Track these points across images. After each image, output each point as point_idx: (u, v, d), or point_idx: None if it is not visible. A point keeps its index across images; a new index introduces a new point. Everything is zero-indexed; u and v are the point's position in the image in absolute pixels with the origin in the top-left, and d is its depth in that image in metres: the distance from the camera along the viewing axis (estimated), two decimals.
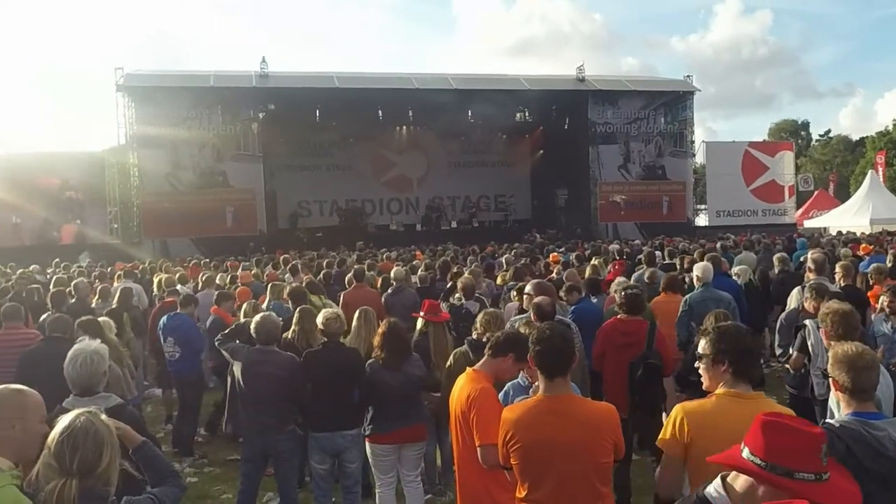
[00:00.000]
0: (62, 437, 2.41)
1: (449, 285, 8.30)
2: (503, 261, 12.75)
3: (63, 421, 2.46)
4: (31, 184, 25.16)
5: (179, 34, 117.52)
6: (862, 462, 2.76)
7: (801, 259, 10.62)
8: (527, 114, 32.84)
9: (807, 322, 5.57)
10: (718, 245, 14.98)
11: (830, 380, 3.11)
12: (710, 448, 2.33)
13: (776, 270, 10.23)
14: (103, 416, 2.54)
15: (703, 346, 3.09)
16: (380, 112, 30.94)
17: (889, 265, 8.97)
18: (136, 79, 26.64)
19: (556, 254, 13.72)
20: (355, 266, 10.82)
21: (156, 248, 25.15)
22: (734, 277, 9.09)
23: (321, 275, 10.77)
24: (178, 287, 9.74)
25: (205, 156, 26.56)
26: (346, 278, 9.94)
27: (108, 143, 28.18)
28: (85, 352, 3.77)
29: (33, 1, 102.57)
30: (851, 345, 3.12)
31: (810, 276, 7.55)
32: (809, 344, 5.39)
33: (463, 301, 7.56)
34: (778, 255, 10.91)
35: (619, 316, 6.09)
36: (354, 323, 6.16)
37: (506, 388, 4.08)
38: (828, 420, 2.97)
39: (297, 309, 6.31)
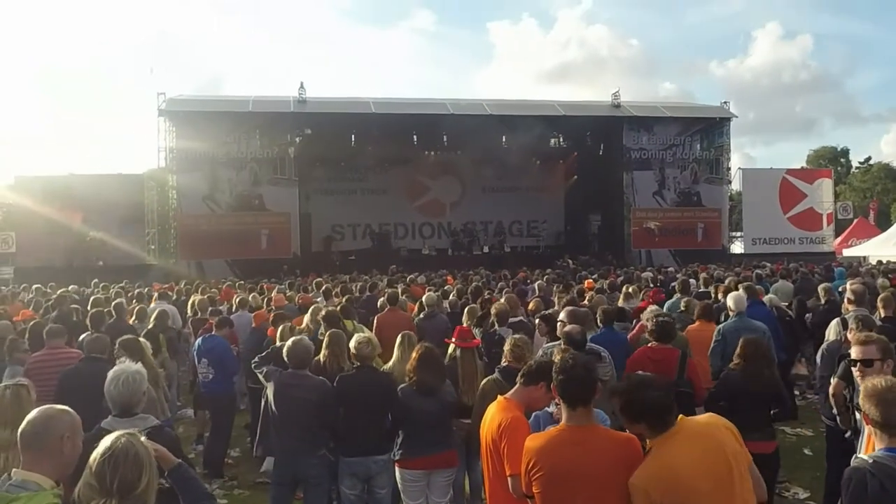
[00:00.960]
0: (104, 458, 2.46)
1: (482, 312, 8.27)
2: (535, 287, 12.70)
3: (105, 442, 2.53)
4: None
5: (219, 60, 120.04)
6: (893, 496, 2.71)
7: (840, 289, 10.40)
8: (561, 139, 32.88)
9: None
10: (754, 273, 14.77)
11: (862, 414, 3.06)
12: None
13: (822, 300, 9.99)
14: (143, 438, 2.60)
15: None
16: (415, 137, 31.22)
17: None
18: (177, 103, 27.30)
19: (591, 280, 13.63)
20: (388, 290, 10.87)
21: (191, 269, 25.54)
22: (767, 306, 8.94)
23: (345, 298, 10.80)
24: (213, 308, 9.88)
25: (242, 179, 27.05)
26: (380, 302, 9.99)
27: (148, 165, 28.90)
28: (126, 372, 3.85)
29: (81, 25, 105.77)
30: (881, 378, 3.06)
31: (849, 308, 7.39)
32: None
33: (496, 327, 7.55)
34: (823, 285, 10.70)
35: (650, 344, 6.04)
36: (397, 348, 6.19)
37: (534, 415, 4.07)
38: (860, 455, 2.91)
39: (328, 333, 6.35)
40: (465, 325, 6.97)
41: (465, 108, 29.19)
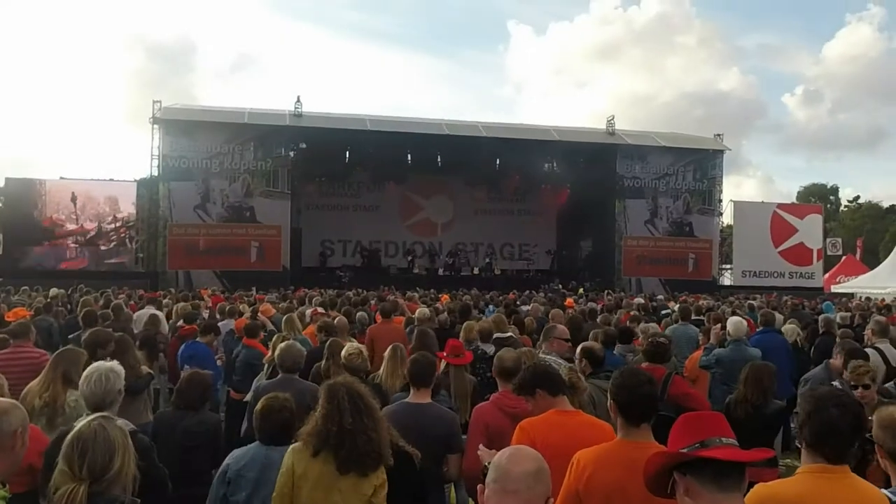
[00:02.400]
0: (71, 443, 2.42)
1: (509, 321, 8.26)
2: (531, 307, 12.65)
3: (75, 428, 2.46)
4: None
5: (216, 70, 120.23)
6: None
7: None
8: (555, 164, 33.00)
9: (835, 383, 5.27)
10: (747, 304, 14.75)
11: (876, 447, 2.94)
12: None
13: (821, 330, 9.96)
14: (119, 422, 2.51)
15: None
16: (409, 156, 31.25)
17: None
18: (172, 112, 27.28)
19: (571, 299, 13.62)
20: (382, 304, 10.77)
21: (179, 278, 25.36)
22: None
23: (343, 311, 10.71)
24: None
25: (234, 190, 26.92)
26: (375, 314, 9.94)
27: (139, 174, 28.78)
28: (100, 370, 3.77)
29: (74, 31, 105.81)
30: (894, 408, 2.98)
31: (873, 339, 7.38)
32: None
33: (479, 344, 7.46)
34: (823, 316, 10.69)
35: (642, 365, 5.95)
36: (387, 361, 6.07)
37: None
38: (885, 490, 2.71)
39: (329, 342, 6.27)
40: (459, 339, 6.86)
41: (460, 128, 29.30)
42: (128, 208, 27.06)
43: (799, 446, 2.80)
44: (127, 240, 26.85)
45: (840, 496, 2.53)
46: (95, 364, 3.96)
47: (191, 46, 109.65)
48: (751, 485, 2.94)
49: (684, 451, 2.05)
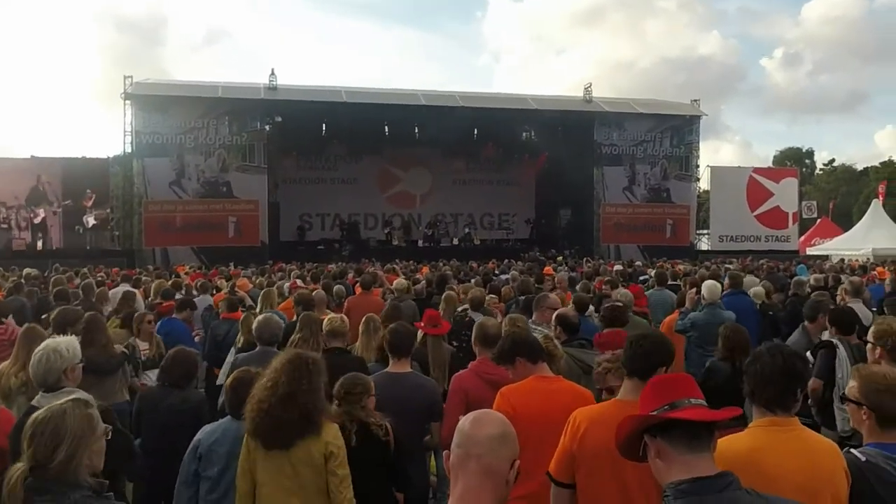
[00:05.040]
0: (26, 426, 2.40)
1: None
2: (511, 276, 12.70)
3: (45, 408, 2.43)
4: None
5: (188, 44, 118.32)
6: (886, 502, 2.62)
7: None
8: (532, 133, 32.91)
9: (836, 343, 5.24)
10: (723, 268, 14.90)
11: (847, 403, 2.95)
12: None
13: (790, 293, 10.08)
14: (90, 410, 2.46)
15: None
16: (386, 128, 31.01)
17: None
18: (144, 87, 26.79)
19: (549, 267, 13.71)
20: (363, 276, 10.75)
21: (157, 256, 25.14)
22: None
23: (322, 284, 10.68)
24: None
25: (210, 165, 26.55)
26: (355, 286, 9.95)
27: (113, 150, 28.32)
28: (47, 349, 3.75)
29: (42, 7, 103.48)
30: (878, 366, 3.01)
31: (846, 298, 7.51)
32: (839, 372, 5.02)
33: (469, 311, 7.50)
34: (797, 278, 10.81)
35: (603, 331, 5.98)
36: (361, 333, 6.07)
37: None
38: (853, 451, 2.76)
39: (301, 315, 6.25)
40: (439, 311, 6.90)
41: (437, 99, 29.05)
42: (101, 186, 26.63)
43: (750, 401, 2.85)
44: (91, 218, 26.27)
45: (789, 448, 2.58)
46: (47, 341, 3.94)
47: (162, 19, 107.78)
48: None
49: (653, 413, 2.07)
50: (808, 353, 5.42)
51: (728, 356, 5.26)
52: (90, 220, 26.11)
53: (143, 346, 6.48)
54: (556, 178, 32.60)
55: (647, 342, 3.17)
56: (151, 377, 6.01)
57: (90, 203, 26.22)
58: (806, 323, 6.35)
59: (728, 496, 1.93)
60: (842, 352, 5.13)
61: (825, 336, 5.73)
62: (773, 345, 2.89)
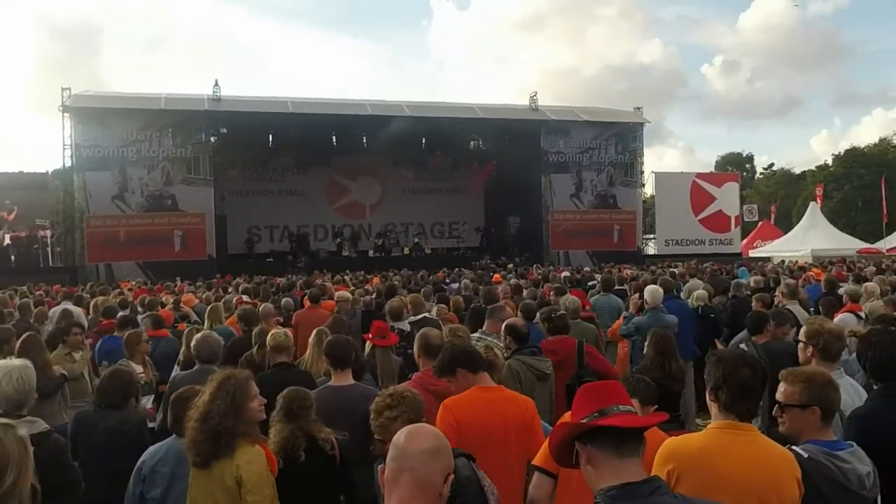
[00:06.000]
0: None
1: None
2: (462, 285, 12.74)
3: None
4: None
5: (127, 54, 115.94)
6: (828, 499, 2.70)
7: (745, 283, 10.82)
8: (480, 142, 33.16)
9: (743, 347, 5.49)
10: (668, 272, 15.20)
11: (791, 411, 2.99)
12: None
13: (730, 296, 10.34)
14: (21, 432, 2.40)
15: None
16: (334, 138, 30.88)
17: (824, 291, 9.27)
18: (83, 99, 26.15)
19: (498, 274, 13.82)
20: (311, 290, 10.66)
21: (100, 272, 24.54)
22: (688, 302, 9.15)
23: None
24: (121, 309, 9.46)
25: (154, 179, 26.02)
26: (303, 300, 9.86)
27: (53, 165, 27.56)
28: (16, 367, 3.63)
29: None
30: (808, 367, 3.13)
31: (783, 301, 7.73)
32: None
33: (393, 324, 7.48)
34: (736, 281, 11.12)
35: (548, 338, 6.05)
36: (311, 346, 6.02)
37: None
38: (795, 448, 2.85)
39: (257, 330, 6.22)
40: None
41: (383, 108, 29.03)
42: (40, 201, 25.87)
43: (711, 404, 2.93)
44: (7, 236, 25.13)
45: (743, 452, 2.65)
46: (4, 362, 3.79)
47: (97, 28, 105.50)
48: None
49: (583, 421, 2.12)
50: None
51: (658, 360, 5.35)
52: (6, 238, 24.91)
53: (138, 369, 6.24)
54: (505, 186, 32.91)
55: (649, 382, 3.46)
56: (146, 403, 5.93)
57: (11, 216, 25.18)
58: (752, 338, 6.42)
59: (655, 501, 1.98)
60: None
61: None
62: (741, 354, 2.98)
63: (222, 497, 3.36)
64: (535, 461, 3.19)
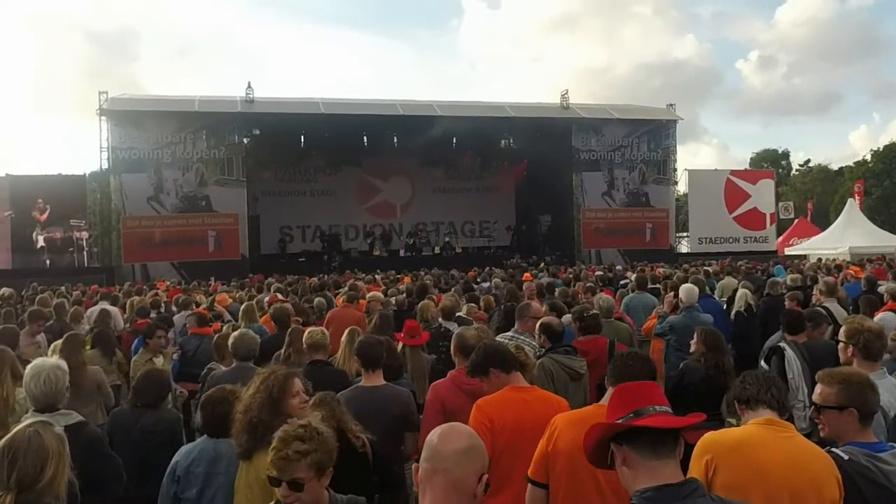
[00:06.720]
0: (2, 450, 2.36)
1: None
2: (493, 284, 12.71)
3: (9, 434, 2.39)
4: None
5: (162, 58, 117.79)
6: (869, 501, 2.63)
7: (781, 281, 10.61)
8: (511, 141, 33.04)
9: (784, 346, 5.35)
10: (702, 271, 15.01)
11: (827, 413, 2.92)
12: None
13: (765, 294, 10.14)
14: (56, 429, 2.45)
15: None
16: (365, 138, 31.02)
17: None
18: (119, 103, 26.61)
19: (528, 273, 13.73)
20: (346, 291, 10.68)
21: (136, 272, 24.93)
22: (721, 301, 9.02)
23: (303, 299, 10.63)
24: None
25: (188, 180, 26.43)
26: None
27: (90, 167, 28.06)
28: (46, 367, 3.67)
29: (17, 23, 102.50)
30: (845, 368, 3.07)
31: (821, 299, 7.59)
32: (790, 373, 5.11)
33: (441, 322, 7.49)
34: (770, 279, 10.91)
35: (578, 338, 5.98)
36: (343, 345, 6.04)
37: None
38: (834, 449, 2.79)
39: (289, 331, 6.24)
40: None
41: (414, 108, 29.13)
42: (79, 203, 26.33)
43: (738, 408, 2.90)
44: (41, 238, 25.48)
45: (780, 447, 2.62)
46: (39, 361, 3.85)
47: (133, 34, 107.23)
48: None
49: (619, 421, 2.08)
50: (763, 361, 5.49)
51: (710, 356, 5.23)
52: (40, 239, 25.32)
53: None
54: (536, 185, 32.77)
55: (637, 359, 3.30)
56: None
57: (44, 216, 25.57)
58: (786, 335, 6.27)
59: (691, 503, 1.94)
60: (790, 353, 5.21)
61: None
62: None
63: (257, 488, 3.38)
64: (529, 472, 3.18)
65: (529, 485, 3.18)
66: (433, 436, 2.02)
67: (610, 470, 2.18)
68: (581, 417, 3.14)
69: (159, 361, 6.71)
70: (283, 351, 6.06)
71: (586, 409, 3.33)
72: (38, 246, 25.29)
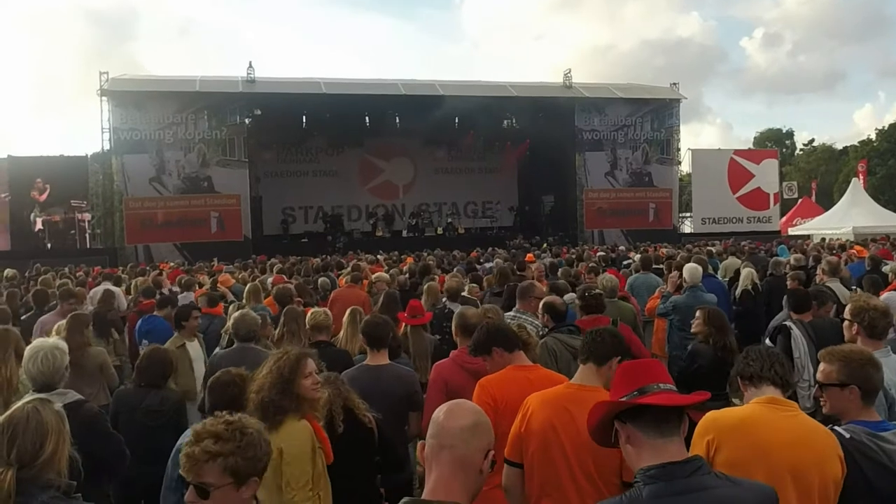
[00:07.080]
0: (1, 428, 2.37)
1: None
2: (495, 264, 12.70)
3: (9, 411, 2.41)
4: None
5: (161, 37, 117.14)
6: (871, 481, 2.63)
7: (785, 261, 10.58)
8: (514, 121, 32.89)
9: (790, 325, 5.35)
10: (706, 251, 14.98)
11: (829, 390, 2.92)
12: None
13: (768, 274, 10.12)
14: (56, 406, 2.46)
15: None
16: (367, 118, 30.91)
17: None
18: (120, 83, 26.51)
19: (531, 254, 13.72)
20: (350, 272, 10.68)
21: (139, 253, 24.96)
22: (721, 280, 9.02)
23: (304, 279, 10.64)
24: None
25: (190, 161, 26.39)
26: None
27: (92, 148, 28.02)
28: (44, 348, 3.69)
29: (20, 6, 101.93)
30: (847, 346, 3.06)
31: (824, 278, 7.57)
32: (796, 352, 5.13)
33: (446, 302, 7.49)
34: (775, 259, 10.88)
35: (581, 317, 5.95)
36: (345, 325, 6.03)
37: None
38: (836, 428, 2.78)
39: (285, 310, 6.23)
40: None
41: (416, 88, 28.96)
42: (80, 184, 26.36)
43: (741, 384, 2.89)
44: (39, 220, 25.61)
45: (783, 425, 2.62)
46: (38, 342, 3.88)
47: (132, 12, 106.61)
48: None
49: (623, 399, 2.07)
50: (767, 339, 5.49)
51: (717, 336, 5.21)
52: (38, 222, 25.39)
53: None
54: (539, 165, 32.67)
55: (606, 334, 3.29)
56: None
57: (43, 196, 25.57)
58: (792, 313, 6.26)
59: (696, 480, 1.94)
60: (796, 332, 5.22)
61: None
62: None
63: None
64: (505, 453, 3.18)
65: (506, 465, 3.18)
66: (439, 412, 2.02)
67: (605, 448, 2.18)
68: (551, 396, 3.17)
69: (193, 346, 6.33)
70: (276, 331, 6.06)
71: (557, 388, 3.30)
72: (36, 229, 25.32)
